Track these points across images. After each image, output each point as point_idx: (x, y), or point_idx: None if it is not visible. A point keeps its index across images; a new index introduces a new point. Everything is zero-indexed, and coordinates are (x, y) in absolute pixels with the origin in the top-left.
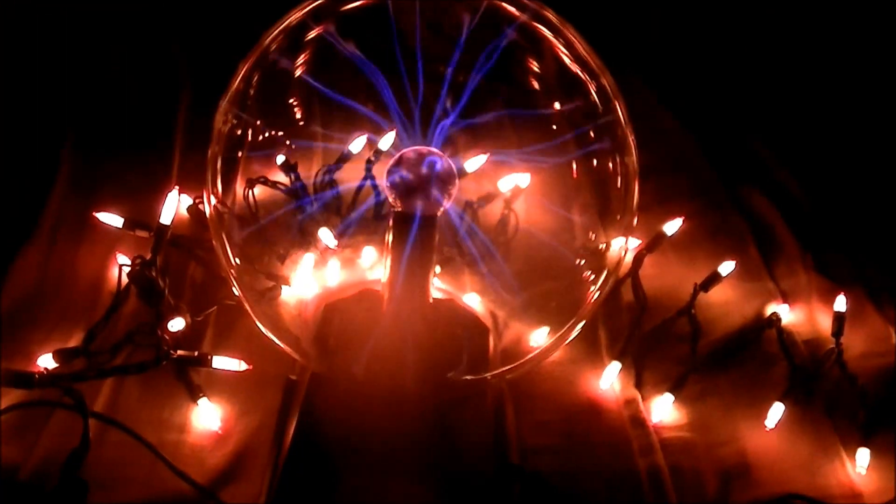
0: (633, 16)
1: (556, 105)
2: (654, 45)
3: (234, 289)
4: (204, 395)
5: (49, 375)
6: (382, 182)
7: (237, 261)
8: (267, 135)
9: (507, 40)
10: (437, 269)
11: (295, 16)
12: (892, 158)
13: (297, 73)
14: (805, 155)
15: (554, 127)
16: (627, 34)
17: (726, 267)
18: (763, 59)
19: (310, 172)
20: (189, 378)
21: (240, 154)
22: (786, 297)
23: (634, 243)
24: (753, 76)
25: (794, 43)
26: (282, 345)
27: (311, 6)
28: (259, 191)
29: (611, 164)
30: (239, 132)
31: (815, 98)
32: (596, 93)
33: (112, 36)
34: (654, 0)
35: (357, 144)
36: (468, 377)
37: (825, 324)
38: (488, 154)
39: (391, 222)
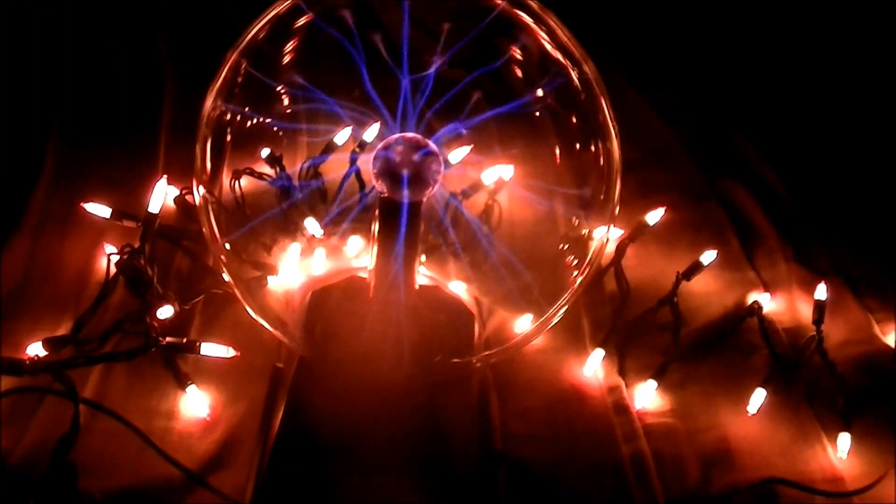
0: (617, 13)
1: (539, 91)
2: (637, 42)
3: (223, 274)
4: (192, 383)
5: (40, 362)
6: (369, 168)
7: (227, 245)
8: (255, 121)
9: (481, 28)
10: (423, 257)
11: (283, 4)
12: (869, 154)
13: (285, 60)
14: (786, 150)
15: (536, 114)
16: (611, 32)
17: (708, 256)
18: (745, 56)
19: (295, 165)
20: (177, 366)
21: (228, 139)
22: (767, 287)
23: (617, 233)
24: (735, 72)
25: (776, 41)
26: (271, 329)
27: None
28: (245, 182)
29: (593, 148)
30: (228, 117)
31: (796, 94)
32: (578, 79)
33: (97, 30)
34: None
35: (342, 136)
36: (454, 360)
37: (806, 312)
38: (472, 145)
39: (377, 208)
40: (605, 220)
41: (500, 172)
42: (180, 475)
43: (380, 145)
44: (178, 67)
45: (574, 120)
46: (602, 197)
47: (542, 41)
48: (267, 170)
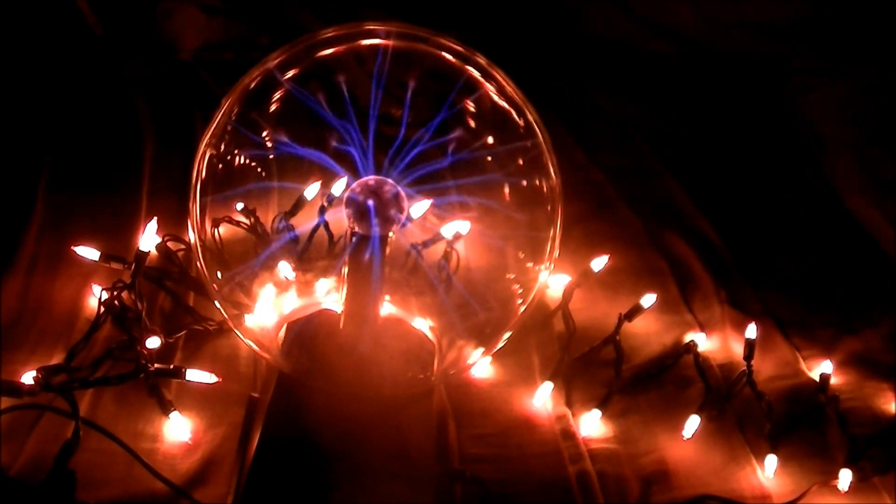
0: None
1: (490, 139)
2: (585, 106)
3: (216, 303)
4: (175, 410)
5: (41, 381)
6: (341, 207)
7: (219, 274)
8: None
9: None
10: (387, 297)
11: (253, 76)
12: (794, 207)
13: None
14: (720, 203)
15: (489, 158)
16: (559, 94)
17: (648, 299)
18: (683, 119)
19: (267, 215)
20: (161, 394)
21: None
22: (702, 328)
23: (565, 279)
24: (673, 133)
25: (710, 105)
26: (257, 349)
27: (268, 65)
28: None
29: (537, 182)
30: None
31: (730, 153)
32: (523, 125)
33: (82, 84)
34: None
35: (311, 190)
36: (417, 377)
37: (738, 350)
38: (431, 200)
39: (348, 243)
40: (548, 256)
41: (457, 227)
42: (166, 490)
43: (351, 186)
44: (156, 122)
45: (520, 161)
46: (548, 209)
47: (491, 93)
48: (242, 218)
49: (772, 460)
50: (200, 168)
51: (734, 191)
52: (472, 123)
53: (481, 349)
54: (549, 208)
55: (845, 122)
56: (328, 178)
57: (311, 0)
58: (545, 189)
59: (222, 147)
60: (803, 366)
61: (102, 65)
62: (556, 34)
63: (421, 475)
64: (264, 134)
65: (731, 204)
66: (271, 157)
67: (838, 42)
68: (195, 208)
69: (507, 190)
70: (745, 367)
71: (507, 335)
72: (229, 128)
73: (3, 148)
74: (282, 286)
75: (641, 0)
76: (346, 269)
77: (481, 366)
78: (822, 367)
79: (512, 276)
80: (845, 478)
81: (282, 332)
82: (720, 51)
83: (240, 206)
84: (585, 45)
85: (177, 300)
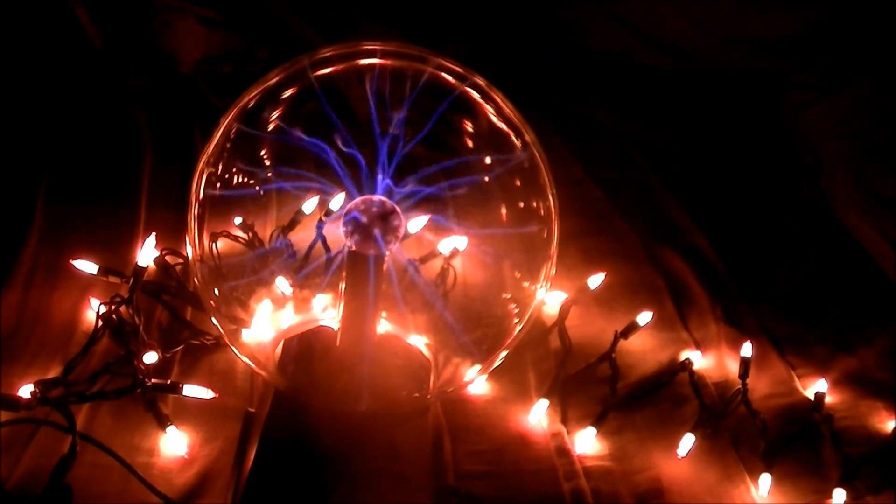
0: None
1: (487, 159)
2: (579, 119)
3: (212, 319)
4: (171, 424)
5: (38, 395)
6: (338, 230)
7: (217, 291)
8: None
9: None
10: (384, 313)
11: (252, 94)
12: (791, 224)
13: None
14: (716, 219)
15: (486, 178)
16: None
17: (644, 317)
18: (677, 135)
19: (265, 230)
20: (158, 408)
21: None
22: (698, 345)
23: (561, 296)
24: (669, 150)
25: (705, 121)
26: (252, 365)
27: (266, 84)
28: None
29: (534, 204)
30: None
31: (725, 168)
32: (520, 146)
33: (81, 98)
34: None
35: (309, 205)
36: (413, 394)
37: (733, 368)
38: (429, 216)
39: (346, 261)
40: (545, 275)
41: (455, 243)
42: None
43: (350, 204)
44: (156, 134)
45: (518, 182)
46: (545, 235)
47: (489, 114)
48: (240, 233)
49: (766, 479)
50: (199, 186)
51: (731, 206)
52: (471, 143)
53: (477, 367)
54: (545, 229)
55: (843, 139)
56: (326, 193)
57: (311, 13)
58: (542, 210)
59: (220, 166)
60: (798, 384)
61: (102, 77)
62: (554, 47)
63: (417, 492)
64: (262, 152)
65: (728, 219)
66: (269, 174)
67: (837, 58)
68: (193, 224)
69: (504, 210)
70: (740, 386)
71: (503, 354)
72: (228, 146)
73: (2, 160)
74: (279, 302)
75: (640, 14)
76: (343, 286)
77: (477, 383)
78: (816, 386)
79: (508, 296)
80: (839, 497)
81: (278, 348)
82: (719, 66)
83: (238, 220)
84: (584, 59)
85: (174, 314)
